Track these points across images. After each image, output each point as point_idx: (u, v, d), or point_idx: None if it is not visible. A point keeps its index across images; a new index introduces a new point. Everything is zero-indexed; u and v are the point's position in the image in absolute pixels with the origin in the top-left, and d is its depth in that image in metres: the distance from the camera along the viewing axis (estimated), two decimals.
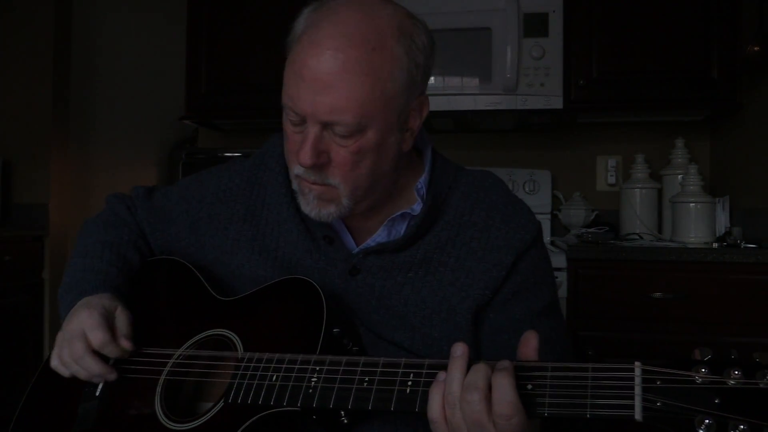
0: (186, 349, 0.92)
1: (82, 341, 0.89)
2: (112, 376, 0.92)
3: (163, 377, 0.90)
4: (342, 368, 0.76)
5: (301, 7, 0.89)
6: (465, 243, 0.93)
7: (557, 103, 2.26)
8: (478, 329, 0.94)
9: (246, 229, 1.00)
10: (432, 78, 2.25)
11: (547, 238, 2.53)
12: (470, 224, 0.94)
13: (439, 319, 0.92)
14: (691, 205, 2.18)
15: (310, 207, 0.89)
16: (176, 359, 0.91)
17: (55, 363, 0.92)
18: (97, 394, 0.93)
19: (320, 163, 0.84)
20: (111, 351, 0.91)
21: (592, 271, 2.02)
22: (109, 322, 0.91)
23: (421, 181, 0.95)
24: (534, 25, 2.27)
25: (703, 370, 0.60)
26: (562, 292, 1.98)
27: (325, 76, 0.80)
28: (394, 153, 0.89)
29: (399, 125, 0.88)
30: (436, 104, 2.27)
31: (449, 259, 0.93)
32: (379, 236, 0.95)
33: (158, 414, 0.87)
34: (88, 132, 3.15)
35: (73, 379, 0.94)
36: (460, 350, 0.70)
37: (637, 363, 0.63)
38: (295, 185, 0.92)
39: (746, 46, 2.14)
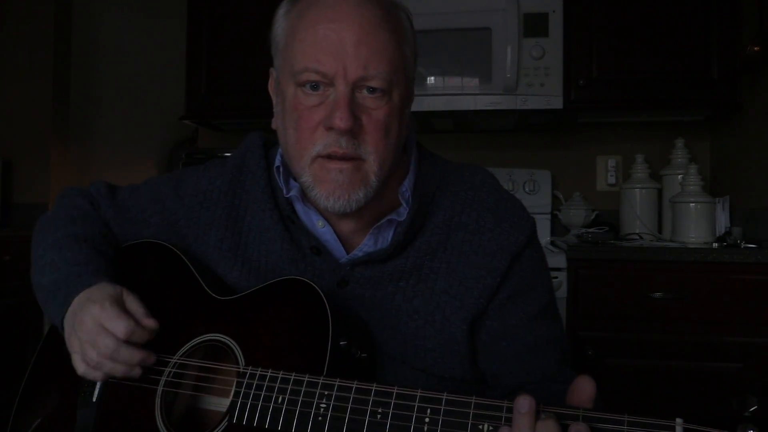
0: (183, 354, 0.88)
1: (108, 336, 0.82)
2: (153, 359, 0.86)
3: (161, 388, 0.87)
4: (352, 396, 0.72)
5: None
6: (456, 246, 0.89)
7: (557, 103, 2.25)
8: (474, 338, 0.90)
9: (227, 236, 0.95)
10: (432, 78, 2.30)
11: (547, 238, 2.54)
12: (461, 226, 0.90)
13: (433, 329, 0.88)
14: (691, 205, 2.18)
15: (336, 195, 0.82)
16: (173, 368, 0.88)
17: (82, 370, 0.85)
18: (94, 399, 0.89)
19: (356, 128, 0.80)
20: (138, 336, 0.84)
21: (592, 271, 2.02)
22: (123, 308, 0.85)
23: (406, 184, 0.90)
24: (534, 25, 2.27)
25: (751, 431, 0.57)
26: (562, 292, 1.98)
27: (357, 29, 0.79)
28: (405, 129, 0.88)
29: (408, 98, 0.88)
30: (436, 104, 2.30)
31: (440, 264, 0.89)
32: (365, 245, 0.90)
33: (159, 428, 0.84)
34: (88, 132, 3.15)
35: (66, 383, 0.90)
36: (527, 405, 0.62)
37: (678, 420, 0.59)
38: (308, 177, 0.84)
39: (746, 46, 2.14)
